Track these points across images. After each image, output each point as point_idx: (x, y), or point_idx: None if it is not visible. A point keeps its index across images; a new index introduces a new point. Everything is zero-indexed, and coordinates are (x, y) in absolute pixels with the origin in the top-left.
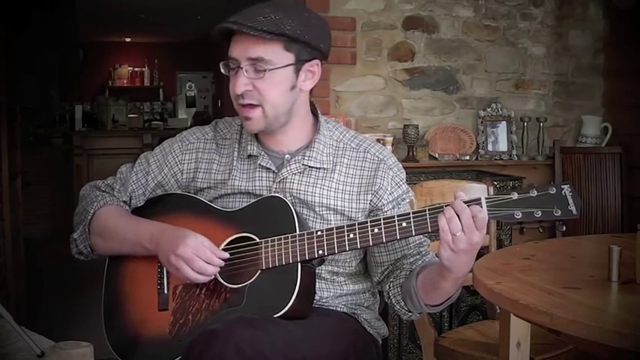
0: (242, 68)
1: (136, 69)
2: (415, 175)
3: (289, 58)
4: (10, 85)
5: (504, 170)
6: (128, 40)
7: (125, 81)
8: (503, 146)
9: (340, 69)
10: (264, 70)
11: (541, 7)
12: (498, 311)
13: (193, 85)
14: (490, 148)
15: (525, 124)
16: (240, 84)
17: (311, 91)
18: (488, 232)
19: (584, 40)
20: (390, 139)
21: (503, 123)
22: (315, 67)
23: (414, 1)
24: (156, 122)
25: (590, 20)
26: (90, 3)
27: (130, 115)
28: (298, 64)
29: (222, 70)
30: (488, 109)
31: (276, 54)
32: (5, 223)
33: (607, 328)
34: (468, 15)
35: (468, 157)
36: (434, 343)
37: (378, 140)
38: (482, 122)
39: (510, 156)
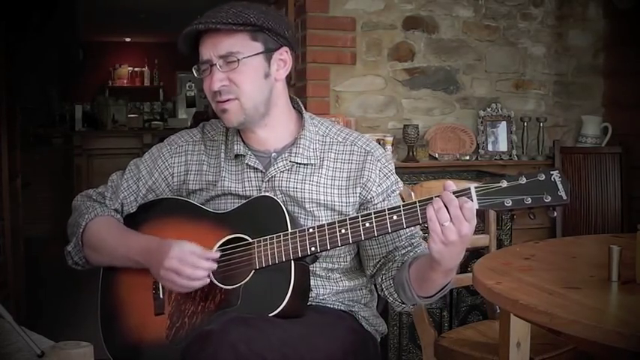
0: (215, 65)
1: (136, 69)
2: (415, 175)
3: (257, 47)
4: (10, 85)
5: (504, 170)
6: (128, 40)
7: (125, 81)
8: (503, 146)
9: (340, 69)
10: (237, 60)
11: (541, 7)
12: (498, 311)
13: (193, 85)
14: (490, 148)
15: (525, 124)
16: (216, 80)
17: (289, 84)
18: (488, 232)
19: (584, 40)
20: (390, 139)
21: (503, 123)
22: (284, 54)
23: (414, 1)
24: (156, 122)
25: (590, 20)
26: (90, 3)
27: (130, 115)
28: (268, 53)
29: (195, 74)
30: (489, 109)
31: (245, 45)
32: (5, 223)
33: (607, 328)
34: (468, 15)
35: (468, 157)
36: (434, 343)
37: (378, 140)
38: (482, 122)
39: (510, 156)
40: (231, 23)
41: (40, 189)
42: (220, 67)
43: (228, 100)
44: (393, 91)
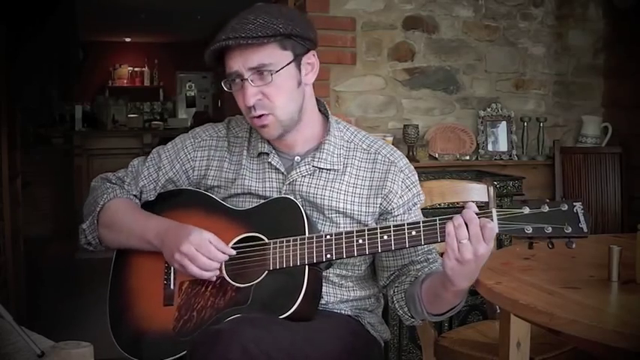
0: (247, 79)
1: (136, 69)
2: None
3: (288, 56)
4: (10, 85)
5: (504, 170)
6: (128, 40)
7: (125, 81)
8: (503, 146)
9: (340, 69)
10: (271, 74)
11: (541, 7)
12: (498, 311)
13: (193, 85)
14: (490, 148)
15: (525, 124)
16: (250, 95)
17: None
18: None
19: (584, 40)
20: (390, 139)
21: (503, 123)
22: (312, 58)
23: (414, 1)
24: (156, 122)
25: (590, 20)
26: (90, 3)
27: (130, 115)
28: (297, 60)
29: (225, 88)
30: (489, 109)
31: (275, 56)
32: (5, 223)
33: (607, 328)
34: (468, 15)
35: (468, 157)
36: (434, 343)
37: None
38: (482, 122)
39: (510, 156)
40: (261, 36)
41: (40, 189)
42: (252, 81)
43: (263, 116)
44: (393, 91)
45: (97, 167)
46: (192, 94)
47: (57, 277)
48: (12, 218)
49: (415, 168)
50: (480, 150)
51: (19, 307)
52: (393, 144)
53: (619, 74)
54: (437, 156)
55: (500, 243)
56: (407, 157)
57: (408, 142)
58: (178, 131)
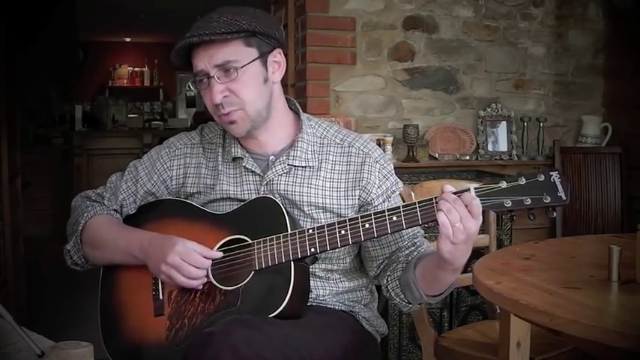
0: (213, 77)
1: (136, 69)
2: (415, 175)
3: (253, 53)
4: (11, 85)
5: (504, 170)
6: (128, 40)
7: (125, 81)
8: (503, 146)
9: (340, 69)
10: (236, 69)
11: (541, 7)
12: (498, 311)
13: None
14: (490, 148)
15: (525, 124)
16: (217, 92)
17: (288, 85)
18: (488, 232)
19: (584, 40)
20: (390, 139)
21: (503, 123)
22: (278, 56)
23: (414, 1)
24: (156, 122)
25: (590, 20)
26: (90, 3)
27: (130, 115)
28: (263, 57)
29: (192, 88)
30: (489, 109)
31: (240, 52)
32: (5, 223)
33: (607, 328)
34: (468, 15)
35: (468, 157)
36: (434, 343)
37: (378, 140)
38: (482, 122)
39: (510, 156)
40: (225, 32)
41: (40, 189)
42: (218, 78)
43: (231, 112)
44: (393, 91)
45: (97, 167)
46: (192, 94)
47: (57, 277)
48: (12, 218)
49: (415, 168)
50: (479, 150)
51: (19, 307)
52: (393, 144)
53: (619, 74)
54: (437, 156)
55: (500, 243)
56: (407, 157)
57: (408, 142)
58: (178, 131)
